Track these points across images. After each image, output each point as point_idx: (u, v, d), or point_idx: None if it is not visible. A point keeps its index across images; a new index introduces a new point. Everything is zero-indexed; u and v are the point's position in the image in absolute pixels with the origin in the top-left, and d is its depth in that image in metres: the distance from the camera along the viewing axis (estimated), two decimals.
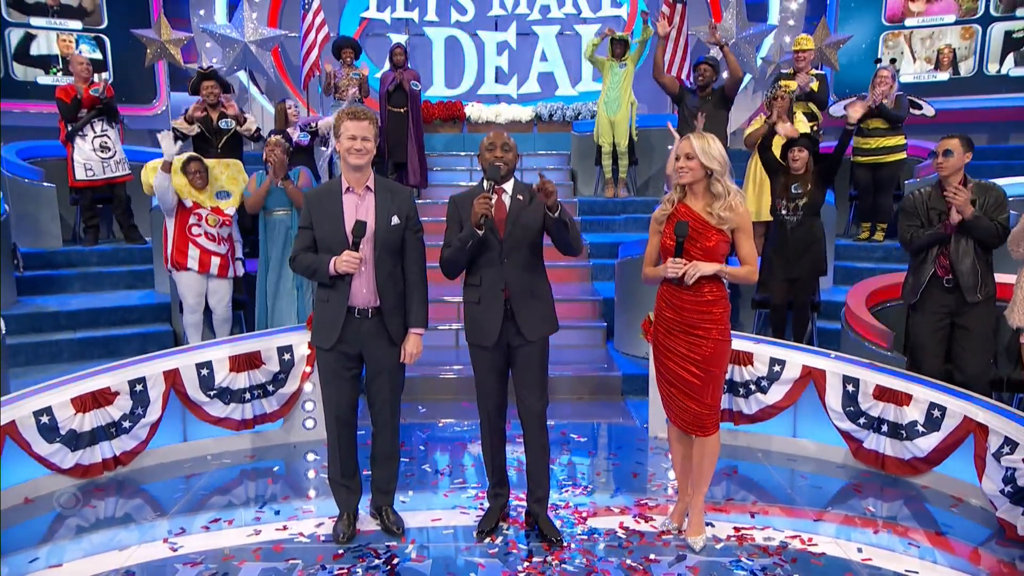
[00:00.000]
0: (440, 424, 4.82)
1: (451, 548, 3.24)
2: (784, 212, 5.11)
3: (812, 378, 4.10)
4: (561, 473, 4.02)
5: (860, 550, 3.19)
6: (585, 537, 3.31)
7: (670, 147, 4.47)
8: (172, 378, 4.09)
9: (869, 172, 6.78)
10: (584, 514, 3.53)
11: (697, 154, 2.97)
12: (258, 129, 6.60)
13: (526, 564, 3.08)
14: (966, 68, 9.38)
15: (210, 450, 4.29)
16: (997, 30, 9.20)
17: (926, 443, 3.77)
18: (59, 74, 9.08)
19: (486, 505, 3.48)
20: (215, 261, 5.24)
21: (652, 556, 3.15)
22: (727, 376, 3.98)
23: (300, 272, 3.19)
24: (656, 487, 3.86)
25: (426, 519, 3.49)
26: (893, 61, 9.38)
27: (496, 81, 10.51)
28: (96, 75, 7.27)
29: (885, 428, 3.90)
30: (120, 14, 9.21)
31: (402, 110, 7.90)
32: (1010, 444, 3.35)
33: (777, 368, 4.17)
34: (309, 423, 4.49)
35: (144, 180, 5.44)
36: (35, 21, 9.02)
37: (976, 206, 3.97)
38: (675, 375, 3.14)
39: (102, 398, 3.87)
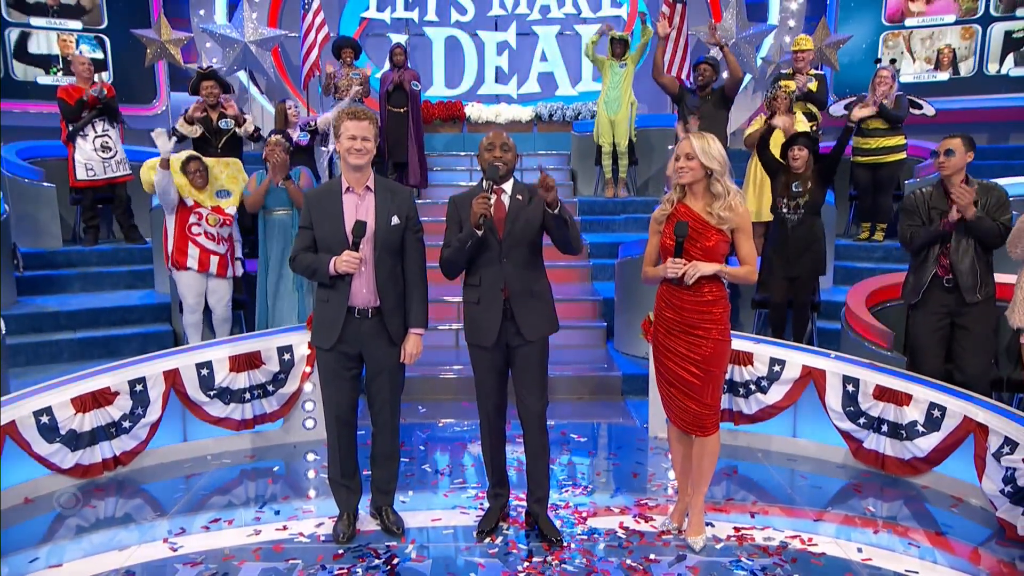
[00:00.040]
0: (440, 424, 4.82)
1: (451, 548, 3.24)
2: (785, 211, 5.11)
3: (812, 378, 4.09)
4: (561, 473, 4.02)
5: (860, 550, 3.19)
6: (585, 537, 3.31)
7: (671, 147, 4.47)
8: (172, 378, 4.09)
9: (869, 172, 6.78)
10: (584, 514, 3.53)
11: (697, 154, 2.97)
12: (257, 129, 6.59)
13: (526, 564, 3.08)
14: (966, 68, 9.37)
15: (210, 450, 4.29)
16: (997, 30, 9.20)
17: (926, 443, 3.77)
18: (59, 74, 9.08)
19: (486, 505, 3.48)
20: (214, 260, 5.25)
21: (652, 556, 3.15)
22: (727, 376, 3.98)
23: (300, 272, 3.19)
24: (656, 487, 3.86)
25: (426, 519, 3.49)
26: (893, 61, 9.38)
27: (496, 81, 10.50)
28: (96, 75, 7.27)
29: (885, 428, 3.90)
30: (120, 14, 9.21)
31: (402, 110, 7.90)
32: (1010, 444, 3.35)
33: (777, 368, 4.17)
34: (309, 423, 4.49)
35: (144, 178, 5.44)
36: (35, 21, 9.02)
37: (978, 206, 3.97)
38: (675, 375, 3.14)
39: (102, 398, 3.87)
